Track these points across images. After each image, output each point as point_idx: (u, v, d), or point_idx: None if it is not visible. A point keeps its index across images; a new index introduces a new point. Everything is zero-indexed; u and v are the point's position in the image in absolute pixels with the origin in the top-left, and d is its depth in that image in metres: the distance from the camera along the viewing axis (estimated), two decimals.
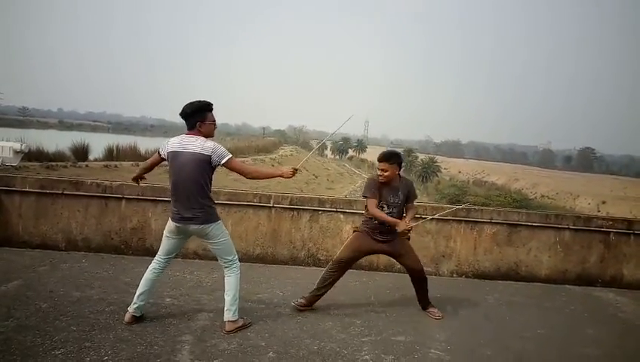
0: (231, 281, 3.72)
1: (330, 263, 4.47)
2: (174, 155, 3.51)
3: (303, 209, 5.95)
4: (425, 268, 5.95)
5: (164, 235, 3.74)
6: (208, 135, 3.59)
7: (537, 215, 6.26)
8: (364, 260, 5.90)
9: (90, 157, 24.69)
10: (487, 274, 6.08)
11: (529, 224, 6.13)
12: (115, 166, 22.63)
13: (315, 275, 5.50)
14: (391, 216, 4.19)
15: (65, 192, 5.62)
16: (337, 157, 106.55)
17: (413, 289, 4.50)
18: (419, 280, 4.48)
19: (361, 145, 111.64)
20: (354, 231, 4.51)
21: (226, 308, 3.69)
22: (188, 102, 3.55)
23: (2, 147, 5.89)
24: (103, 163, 23.66)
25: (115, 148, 27.31)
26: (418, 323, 4.28)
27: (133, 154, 28.11)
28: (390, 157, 4.22)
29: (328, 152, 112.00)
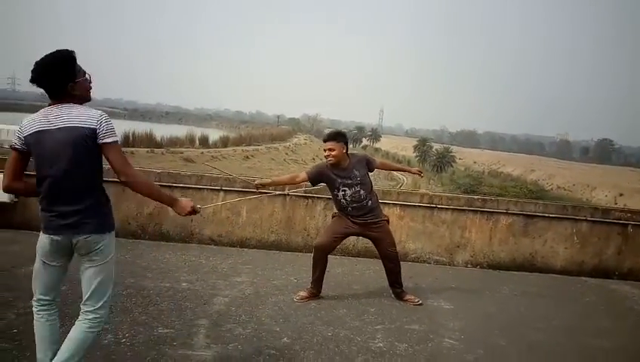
0: (79, 337, 2.37)
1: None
2: (38, 138, 2.26)
3: (317, 197, 5.96)
4: (439, 258, 6.01)
5: (36, 263, 2.41)
6: (82, 99, 2.36)
7: (554, 206, 6.20)
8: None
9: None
10: (503, 265, 6.05)
11: (546, 215, 6.07)
12: (132, 152, 22.88)
13: (328, 263, 5.53)
14: (361, 193, 4.12)
15: None
16: (351, 146, 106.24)
17: (427, 278, 4.51)
18: (390, 267, 4.42)
19: (375, 135, 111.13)
20: (332, 217, 4.50)
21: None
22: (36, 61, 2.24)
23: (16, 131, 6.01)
24: None
25: (131, 135, 27.56)
26: (432, 312, 4.28)
27: (148, 141, 28.39)
28: (336, 136, 4.15)
29: None
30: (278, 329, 3.59)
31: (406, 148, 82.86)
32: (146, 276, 4.42)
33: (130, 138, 27.44)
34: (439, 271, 5.77)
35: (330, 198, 5.95)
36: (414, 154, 72.15)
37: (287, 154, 52.29)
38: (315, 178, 4.26)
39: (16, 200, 5.66)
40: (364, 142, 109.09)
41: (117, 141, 2.32)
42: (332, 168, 4.16)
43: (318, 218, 5.96)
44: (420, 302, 4.38)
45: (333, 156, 4.08)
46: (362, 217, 4.20)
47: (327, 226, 4.47)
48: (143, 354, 2.99)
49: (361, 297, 4.48)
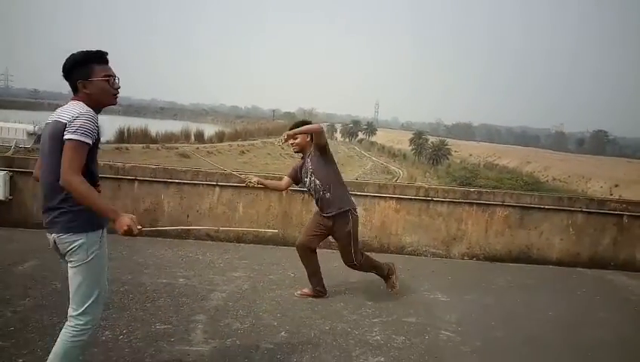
0: (60, 352, 2.26)
1: None
2: (42, 132, 2.37)
3: None
4: (435, 251, 6.03)
5: None
6: (100, 100, 2.33)
7: (550, 198, 6.22)
8: (377, 243, 5.94)
9: (102, 139, 24.88)
10: (499, 257, 6.08)
11: (541, 207, 6.08)
12: (127, 148, 22.79)
13: (325, 257, 5.53)
14: (316, 183, 3.96)
15: None
16: (347, 140, 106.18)
17: (424, 271, 4.50)
18: (353, 268, 4.25)
19: (371, 128, 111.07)
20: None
21: None
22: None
23: (16, 129, 5.95)
24: (115, 145, 23.81)
25: (126, 131, 27.45)
26: (429, 304, 4.30)
27: (144, 137, 28.27)
28: (300, 125, 4.04)
29: (338, 135, 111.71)
30: (275, 323, 3.59)
31: (402, 142, 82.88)
32: (143, 272, 4.41)
33: (125, 134, 27.33)
34: (436, 263, 5.78)
35: None
36: (410, 147, 72.15)
37: (283, 148, 52.17)
38: (294, 176, 4.19)
39: (11, 197, 5.63)
40: (360, 135, 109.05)
41: (78, 141, 2.12)
42: (302, 159, 4.12)
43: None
44: (392, 290, 4.30)
45: (296, 145, 4.03)
46: (325, 211, 4.03)
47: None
48: (142, 350, 2.99)
49: (358, 291, 4.49)
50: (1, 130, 6.04)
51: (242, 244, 5.82)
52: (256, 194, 5.90)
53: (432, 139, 71.51)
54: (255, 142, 50.24)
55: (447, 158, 63.56)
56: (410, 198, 6.00)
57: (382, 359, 3.17)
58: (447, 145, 64.86)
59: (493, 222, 6.09)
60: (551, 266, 6.03)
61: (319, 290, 4.21)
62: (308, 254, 4.16)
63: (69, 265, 2.28)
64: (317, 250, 4.23)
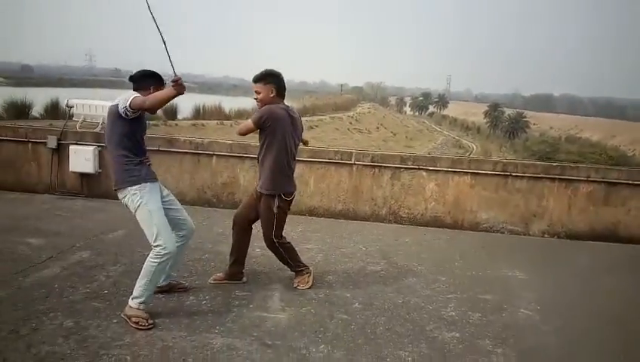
0: (145, 267, 3.00)
1: None
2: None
3: (384, 166, 5.92)
4: (513, 228, 5.81)
5: None
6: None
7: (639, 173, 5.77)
8: (450, 219, 5.83)
9: (179, 116, 25.97)
10: (582, 235, 5.76)
11: (630, 182, 5.68)
12: (202, 124, 23.71)
13: (396, 232, 5.54)
14: (259, 157, 3.54)
15: (160, 148, 6.00)
16: (417, 113, 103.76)
17: (501, 248, 4.37)
18: (269, 248, 3.72)
19: (442, 101, 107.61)
20: None
21: (133, 293, 3.02)
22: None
23: (102, 106, 6.36)
24: (191, 121, 24.86)
25: (201, 108, 28.48)
26: (506, 282, 4.18)
27: (218, 114, 29.20)
28: (263, 77, 3.43)
29: (407, 109, 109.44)
30: (348, 295, 3.66)
31: (475, 114, 79.64)
32: (222, 242, 4.62)
33: (201, 111, 28.39)
34: (513, 240, 5.59)
35: (397, 167, 5.91)
36: (485, 120, 69.30)
37: (350, 123, 52.01)
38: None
39: (100, 170, 6.07)
40: (431, 108, 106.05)
41: (136, 95, 2.95)
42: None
43: (386, 187, 5.93)
44: (301, 286, 3.71)
45: (259, 100, 3.45)
46: (258, 185, 3.60)
47: None
48: (223, 314, 3.17)
49: (430, 266, 4.44)
50: (89, 107, 6.48)
51: (314, 217, 5.93)
52: (327, 168, 5.96)
53: (508, 111, 68.17)
54: (323, 117, 50.38)
55: (525, 131, 60.50)
56: (487, 173, 5.80)
57: (457, 334, 3.14)
58: (524, 117, 61.68)
59: (577, 199, 5.76)
60: (638, 245, 5.63)
61: (233, 272, 3.69)
62: (238, 227, 3.68)
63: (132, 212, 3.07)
64: (392, 226, 4.19)
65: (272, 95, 3.41)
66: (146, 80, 3.09)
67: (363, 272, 4.17)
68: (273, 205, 3.50)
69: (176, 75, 2.86)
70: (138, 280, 3.00)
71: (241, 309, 3.27)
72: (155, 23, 2.95)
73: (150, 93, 3.00)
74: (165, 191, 3.27)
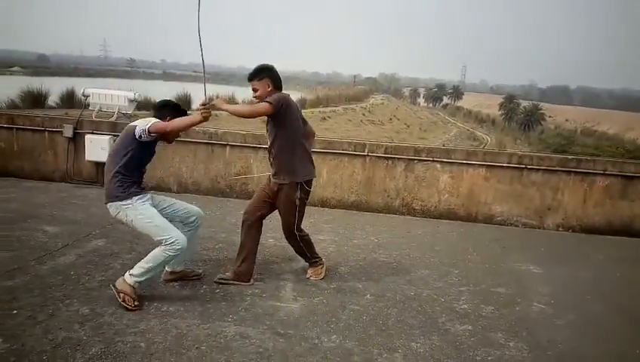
0: (154, 252, 3.06)
1: None
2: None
3: (397, 158, 5.89)
4: (527, 221, 5.76)
5: None
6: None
7: None
8: (463, 212, 5.80)
9: (193, 106, 26.04)
10: (597, 229, 5.69)
11: None
12: (216, 115, 23.78)
13: (409, 224, 5.52)
14: (271, 142, 3.43)
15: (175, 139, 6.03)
16: (431, 105, 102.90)
17: (515, 241, 4.33)
18: (287, 241, 3.71)
19: (457, 92, 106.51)
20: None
21: (132, 269, 3.07)
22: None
23: (118, 96, 6.42)
24: None
25: (215, 98, 28.55)
26: (520, 275, 4.15)
27: (231, 104, 29.22)
28: (258, 73, 3.38)
29: (421, 100, 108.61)
30: (360, 286, 3.66)
31: (490, 106, 78.76)
32: (236, 231, 4.61)
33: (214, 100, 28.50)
34: (528, 234, 5.55)
35: (411, 159, 5.88)
36: (500, 112, 68.49)
37: (363, 115, 51.75)
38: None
39: None
40: (445, 100, 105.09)
41: (149, 123, 3.05)
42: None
43: (399, 179, 5.90)
44: (315, 277, 3.71)
45: (257, 97, 3.39)
46: (273, 178, 3.53)
47: None
48: (237, 303, 3.19)
49: (443, 258, 4.42)
50: (105, 97, 6.55)
51: (326, 209, 5.93)
52: (340, 160, 5.95)
53: (524, 103, 67.28)
54: (336, 108, 50.18)
55: (541, 124, 59.73)
56: (502, 166, 5.75)
57: (469, 327, 3.13)
58: (540, 109, 60.84)
59: (593, 192, 5.69)
60: None
61: (241, 272, 3.54)
62: (249, 226, 3.58)
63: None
64: (405, 218, 4.17)
65: (269, 89, 3.37)
66: (163, 110, 3.23)
67: (375, 264, 4.17)
68: (295, 196, 3.45)
69: (206, 98, 2.90)
70: (143, 261, 3.05)
71: (254, 298, 3.30)
72: (199, 31, 3.02)
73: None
74: (159, 198, 3.33)
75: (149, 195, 3.23)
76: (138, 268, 3.03)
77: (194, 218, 3.41)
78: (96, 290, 3.22)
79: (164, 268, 3.33)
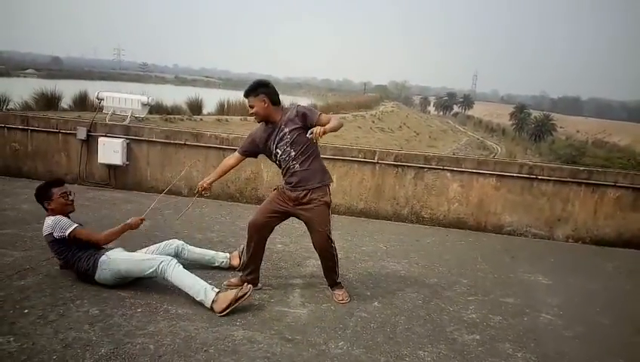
0: (174, 282, 3.21)
1: None
2: None
3: (407, 166, 5.90)
4: (537, 231, 5.73)
5: None
6: (61, 211, 3.46)
7: None
8: (473, 221, 5.78)
9: (204, 111, 26.21)
10: (608, 241, 5.65)
11: None
12: (226, 120, 23.89)
13: (418, 232, 5.52)
14: (291, 154, 3.33)
15: (187, 143, 6.10)
16: (441, 113, 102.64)
17: (524, 252, 4.32)
18: (321, 255, 3.53)
19: (467, 101, 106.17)
20: (273, 190, 3.64)
21: (199, 299, 3.15)
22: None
23: (132, 100, 6.52)
24: (216, 117, 25.07)
25: (225, 103, 28.69)
26: (528, 286, 4.13)
27: (242, 109, 29.35)
28: (253, 89, 3.29)
29: (431, 108, 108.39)
30: (368, 293, 3.66)
31: (501, 116, 78.38)
32: (245, 236, 4.65)
33: (225, 106, 28.59)
34: (537, 244, 5.52)
35: (421, 167, 5.88)
36: (510, 122, 68.13)
37: (373, 122, 51.69)
38: (253, 150, 3.55)
39: (127, 163, 6.19)
40: (455, 109, 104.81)
41: (76, 227, 3.43)
42: (265, 126, 3.40)
43: (408, 187, 5.91)
44: (346, 301, 3.48)
45: (254, 114, 3.33)
46: (294, 188, 3.40)
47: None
48: (245, 308, 3.20)
49: (452, 268, 4.41)
50: (118, 100, 6.66)
51: (335, 215, 5.93)
52: (350, 166, 5.97)
53: (535, 113, 66.91)
54: (346, 115, 50.24)
55: (552, 134, 59.31)
56: (512, 176, 5.73)
57: (477, 337, 3.12)
58: (551, 120, 60.44)
59: (603, 204, 5.65)
60: None
61: (246, 279, 3.52)
62: (257, 237, 3.54)
63: None
64: (414, 226, 4.18)
65: (265, 105, 3.28)
66: (40, 199, 3.46)
67: (383, 271, 4.17)
68: (327, 197, 3.44)
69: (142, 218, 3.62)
70: (189, 293, 3.16)
71: (262, 303, 3.31)
72: None
73: (49, 205, 3.41)
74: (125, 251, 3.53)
75: (113, 247, 3.47)
76: (194, 295, 3.14)
77: (174, 245, 3.68)
78: (106, 291, 3.25)
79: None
